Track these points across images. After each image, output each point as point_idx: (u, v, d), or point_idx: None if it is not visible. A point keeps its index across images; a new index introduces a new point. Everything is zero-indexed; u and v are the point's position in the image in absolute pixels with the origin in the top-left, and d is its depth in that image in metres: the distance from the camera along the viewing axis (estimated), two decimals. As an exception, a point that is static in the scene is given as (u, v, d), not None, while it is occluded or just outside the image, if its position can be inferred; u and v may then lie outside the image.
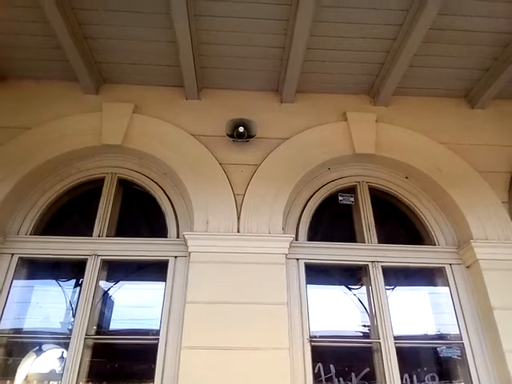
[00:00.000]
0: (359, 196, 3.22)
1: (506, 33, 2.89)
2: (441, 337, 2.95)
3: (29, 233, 2.95)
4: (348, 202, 3.25)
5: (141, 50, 3.02)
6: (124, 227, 3.12)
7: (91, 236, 2.92)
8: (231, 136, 3.06)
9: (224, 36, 2.90)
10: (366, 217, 3.13)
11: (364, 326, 2.93)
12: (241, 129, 3.03)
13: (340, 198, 3.25)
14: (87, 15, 2.76)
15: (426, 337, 2.98)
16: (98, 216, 2.99)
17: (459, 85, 3.36)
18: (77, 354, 2.55)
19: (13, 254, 2.85)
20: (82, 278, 2.79)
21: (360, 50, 3.02)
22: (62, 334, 2.78)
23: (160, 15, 2.75)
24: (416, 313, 3.05)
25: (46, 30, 2.82)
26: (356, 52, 3.04)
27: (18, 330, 2.84)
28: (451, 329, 2.86)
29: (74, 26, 2.79)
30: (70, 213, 3.21)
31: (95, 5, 2.69)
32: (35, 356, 2.81)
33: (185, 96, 3.32)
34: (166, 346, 2.59)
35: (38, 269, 3.02)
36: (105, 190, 3.10)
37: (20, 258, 2.86)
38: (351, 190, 3.30)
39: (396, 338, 2.71)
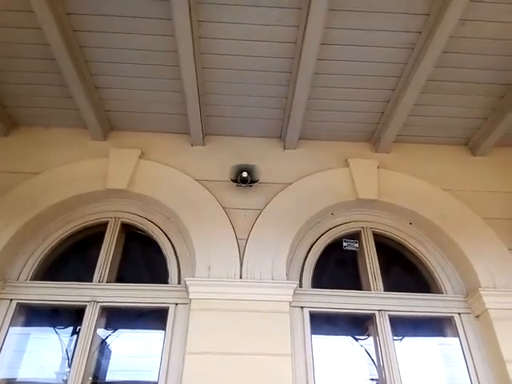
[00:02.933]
0: (364, 242, 3.19)
1: (502, 84, 2.99)
2: (452, 392, 2.81)
3: (29, 278, 2.91)
4: (352, 248, 3.22)
5: (149, 99, 3.14)
6: (125, 273, 3.08)
7: (91, 282, 2.88)
8: (235, 181, 3.10)
9: (229, 86, 3.02)
10: (371, 263, 3.08)
11: (372, 379, 2.79)
12: (244, 174, 3.08)
13: (344, 243, 3.22)
14: (99, 67, 2.90)
15: (436, 392, 2.84)
16: (99, 261, 2.97)
17: (459, 133, 3.43)
18: (71, 408, 2.43)
19: (11, 300, 2.80)
20: (80, 325, 2.72)
21: (360, 100, 3.12)
22: (56, 385, 2.67)
23: (169, 67, 2.88)
24: (426, 365, 2.91)
25: (59, 81, 2.96)
26: (356, 101, 3.13)
27: (11, 381, 2.73)
28: (463, 382, 2.72)
29: (86, 76, 2.92)
30: (72, 258, 3.18)
31: (108, 57, 2.83)
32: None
33: (190, 142, 3.40)
34: (164, 399, 2.47)
35: (36, 315, 2.94)
36: (107, 234, 3.09)
37: (18, 304, 2.80)
38: (355, 236, 3.27)
39: (405, 392, 2.58)
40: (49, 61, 2.83)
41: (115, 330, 2.94)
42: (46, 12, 2.45)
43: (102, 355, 2.83)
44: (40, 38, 2.66)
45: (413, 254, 3.22)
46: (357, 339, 3.01)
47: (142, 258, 3.27)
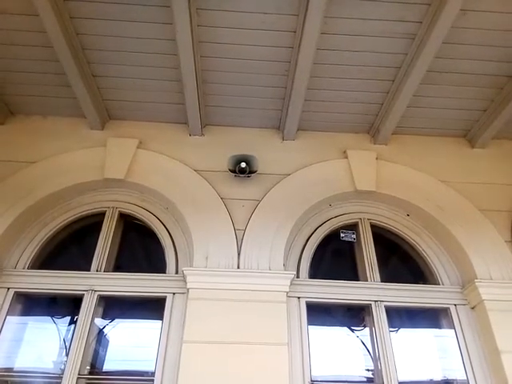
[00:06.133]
0: (361, 233, 3.20)
1: (502, 75, 2.98)
2: (447, 382, 2.83)
3: (27, 266, 2.91)
4: (350, 239, 3.22)
5: (147, 88, 3.12)
6: (123, 262, 3.08)
7: (89, 271, 2.88)
8: (233, 171, 3.09)
9: (228, 76, 3.00)
10: (369, 254, 3.09)
11: (368, 369, 2.81)
12: (243, 164, 3.06)
13: (342, 234, 3.22)
14: (97, 55, 2.87)
15: (431, 382, 2.86)
16: (96, 250, 2.96)
17: (458, 125, 3.42)
18: (68, 395, 2.44)
19: (8, 289, 2.80)
20: (78, 314, 2.72)
21: (359, 91, 3.10)
22: (54, 373, 2.67)
23: (167, 56, 2.85)
24: (421, 356, 2.93)
25: (56, 69, 2.93)
26: (355, 92, 3.12)
27: (8, 369, 2.73)
28: (458, 374, 2.75)
29: (83, 64, 2.90)
30: (70, 247, 3.18)
31: (105, 45, 2.81)
32: (24, 397, 2.69)
33: (188, 132, 3.38)
34: (161, 388, 2.48)
35: (33, 304, 2.94)
36: (105, 224, 3.09)
37: (16, 293, 2.80)
38: (353, 227, 3.28)
39: (401, 383, 2.59)
40: (46, 48, 2.80)
41: (113, 319, 2.95)
42: (43, -2, 2.42)
43: (100, 345, 2.83)
44: (37, 25, 2.63)
45: (410, 245, 3.23)
46: (353, 330, 3.02)
47: (140, 247, 3.27)
